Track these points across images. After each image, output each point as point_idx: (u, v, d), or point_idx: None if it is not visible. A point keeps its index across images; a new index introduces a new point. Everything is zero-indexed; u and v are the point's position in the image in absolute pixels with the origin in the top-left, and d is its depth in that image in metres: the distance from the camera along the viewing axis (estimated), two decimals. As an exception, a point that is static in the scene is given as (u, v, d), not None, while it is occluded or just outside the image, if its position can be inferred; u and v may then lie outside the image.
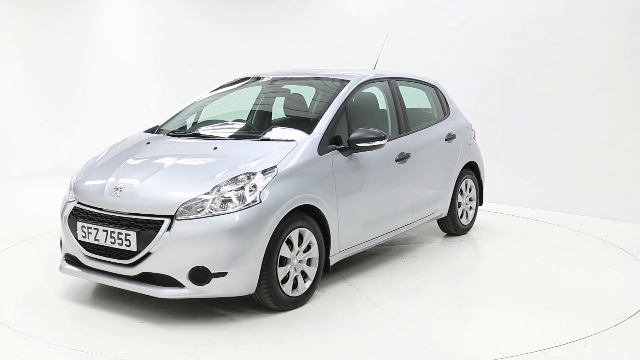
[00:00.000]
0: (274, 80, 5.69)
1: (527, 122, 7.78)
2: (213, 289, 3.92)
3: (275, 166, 4.19)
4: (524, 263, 5.46)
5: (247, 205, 3.95)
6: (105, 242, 4.08)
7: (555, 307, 4.44)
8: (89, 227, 4.18)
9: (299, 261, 4.32)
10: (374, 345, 3.78)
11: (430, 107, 6.18)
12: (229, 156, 4.34)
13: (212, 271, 3.88)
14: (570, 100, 7.40)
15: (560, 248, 5.93)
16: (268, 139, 4.62)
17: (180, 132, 5.09)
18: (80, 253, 4.27)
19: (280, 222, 4.09)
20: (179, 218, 3.91)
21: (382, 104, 5.55)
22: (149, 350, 3.69)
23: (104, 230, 4.09)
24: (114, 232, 4.05)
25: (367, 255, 5.55)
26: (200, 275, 3.89)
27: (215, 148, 4.52)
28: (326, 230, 4.50)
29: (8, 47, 9.54)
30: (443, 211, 5.98)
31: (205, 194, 3.97)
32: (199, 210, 3.92)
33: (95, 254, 4.17)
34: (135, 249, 3.96)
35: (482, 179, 6.54)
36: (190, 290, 3.91)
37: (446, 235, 6.32)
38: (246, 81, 5.76)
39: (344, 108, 4.86)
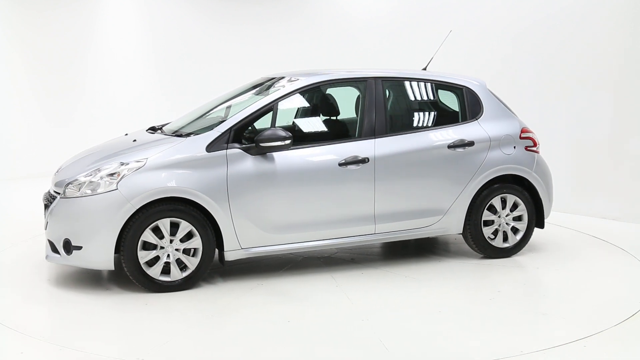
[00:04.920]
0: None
1: (527, 123, 7.77)
2: (75, 260, 4.56)
3: (146, 158, 4.58)
4: (522, 263, 5.46)
5: (107, 190, 4.47)
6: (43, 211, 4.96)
7: (555, 307, 4.44)
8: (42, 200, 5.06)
9: (176, 249, 4.57)
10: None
11: (457, 110, 5.58)
12: (133, 148, 4.83)
13: (73, 244, 4.51)
14: (571, 100, 7.39)
15: (559, 248, 5.91)
16: (180, 135, 4.92)
17: (155, 128, 5.48)
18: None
19: (142, 209, 4.48)
20: (61, 196, 4.62)
21: (352, 106, 5.29)
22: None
23: (43, 202, 4.98)
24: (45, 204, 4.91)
25: (342, 261, 5.53)
26: (68, 246, 4.55)
27: (134, 140, 5.05)
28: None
29: (8, 46, 9.52)
30: (450, 227, 5.33)
31: (79, 178, 4.61)
32: (74, 191, 4.57)
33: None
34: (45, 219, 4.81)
35: (541, 196, 5.53)
36: (63, 258, 4.60)
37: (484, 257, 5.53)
38: (272, 80, 5.51)
39: (270, 108, 4.90)
